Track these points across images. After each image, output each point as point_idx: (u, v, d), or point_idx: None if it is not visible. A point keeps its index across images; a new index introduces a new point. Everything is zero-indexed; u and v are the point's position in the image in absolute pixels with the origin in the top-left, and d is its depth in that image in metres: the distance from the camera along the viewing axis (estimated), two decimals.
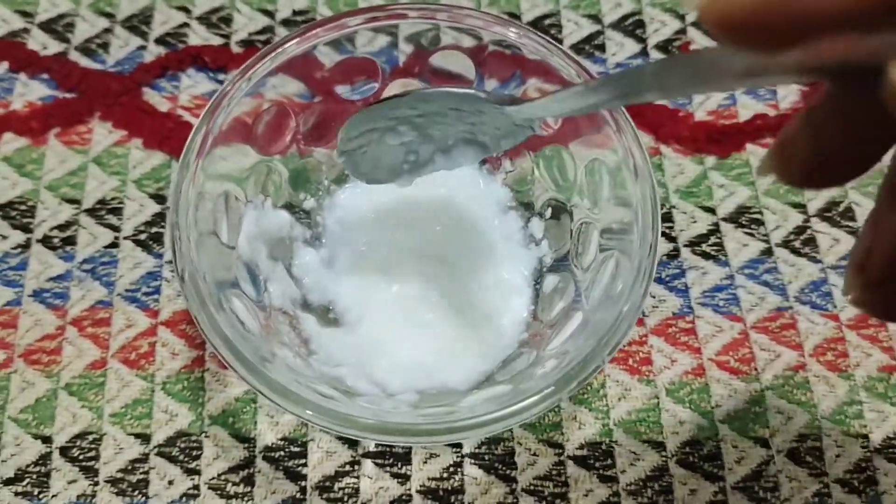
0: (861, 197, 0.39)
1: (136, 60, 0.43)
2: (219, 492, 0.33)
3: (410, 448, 0.34)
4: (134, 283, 0.37)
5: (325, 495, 0.33)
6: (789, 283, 0.37)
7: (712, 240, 0.39)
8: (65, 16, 0.45)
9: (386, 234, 0.35)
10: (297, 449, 0.34)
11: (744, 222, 0.39)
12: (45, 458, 0.34)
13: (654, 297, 0.37)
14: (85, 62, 0.43)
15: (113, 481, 0.34)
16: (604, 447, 0.34)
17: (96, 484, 0.33)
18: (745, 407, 0.35)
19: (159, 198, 0.39)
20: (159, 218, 0.39)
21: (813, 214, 0.39)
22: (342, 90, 0.35)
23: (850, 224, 0.39)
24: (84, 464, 0.34)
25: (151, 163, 0.40)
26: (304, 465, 0.34)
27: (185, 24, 0.44)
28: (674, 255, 0.38)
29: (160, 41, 0.44)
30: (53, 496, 0.33)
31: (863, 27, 0.14)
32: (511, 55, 0.32)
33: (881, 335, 0.36)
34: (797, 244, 0.38)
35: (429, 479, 0.34)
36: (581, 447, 0.34)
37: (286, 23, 0.44)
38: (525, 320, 0.34)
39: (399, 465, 0.34)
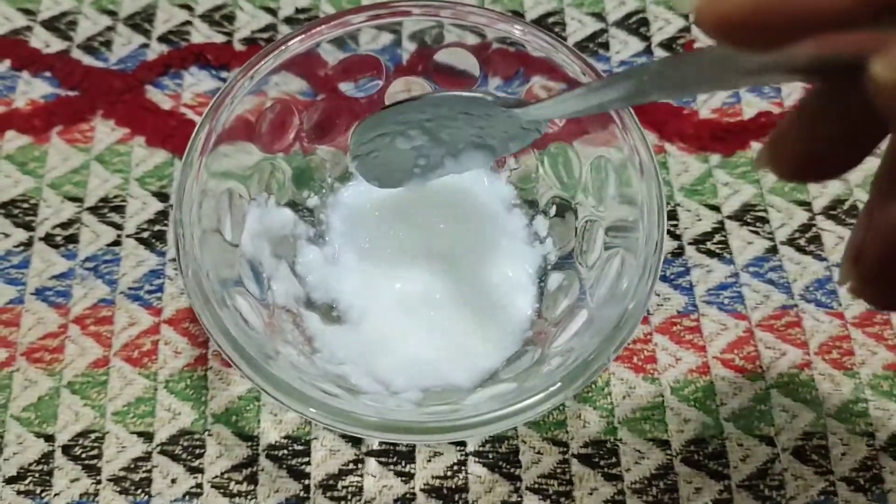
0: (866, 195, 0.39)
1: (139, 58, 0.43)
2: (222, 490, 0.33)
3: (414, 446, 0.34)
4: (137, 281, 0.37)
5: (328, 494, 0.33)
6: (794, 280, 0.37)
7: (717, 238, 0.38)
8: (67, 14, 0.44)
9: (389, 231, 0.35)
10: (300, 447, 0.34)
11: (749, 220, 0.39)
12: (47, 457, 0.34)
13: (658, 295, 0.37)
14: (87, 60, 0.43)
15: (115, 480, 0.33)
16: (608, 445, 0.34)
17: (99, 482, 0.33)
18: (751, 405, 0.35)
19: (162, 196, 0.39)
20: (162, 216, 0.39)
21: (818, 212, 0.39)
22: (346, 87, 0.35)
23: (855, 222, 0.39)
24: (86, 462, 0.34)
25: (154, 161, 0.40)
26: (308, 463, 0.34)
27: (188, 22, 0.44)
28: (678, 253, 0.38)
29: (163, 39, 0.44)
30: (56, 495, 0.33)
31: (853, 26, 0.14)
32: (515, 52, 0.32)
33: (886, 333, 0.36)
34: (802, 242, 0.38)
35: (433, 477, 0.33)
36: (585, 445, 0.34)
37: (289, 20, 0.44)
38: (529, 318, 0.34)
39: (403, 464, 0.34)
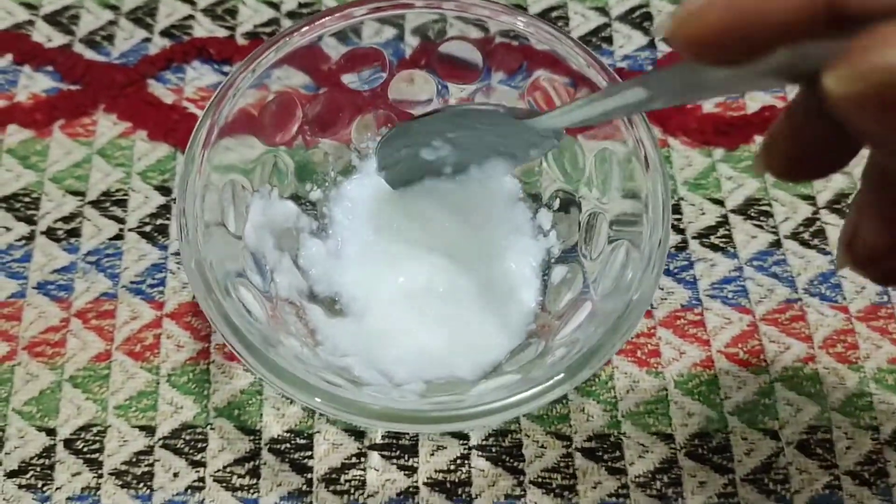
0: None
1: (141, 52, 0.43)
2: (224, 484, 0.33)
3: (417, 440, 0.34)
4: (139, 274, 0.37)
5: (331, 487, 0.33)
6: (798, 274, 0.37)
7: (721, 232, 0.38)
8: (69, 8, 0.44)
9: (392, 225, 0.35)
10: (303, 441, 0.34)
11: (752, 214, 0.39)
12: (49, 451, 0.34)
13: (662, 289, 0.37)
14: (89, 54, 0.43)
15: (117, 474, 0.33)
16: (612, 439, 0.34)
17: (101, 476, 0.33)
18: (755, 399, 0.34)
19: (164, 189, 0.39)
20: (164, 210, 0.39)
21: (822, 206, 0.39)
22: (349, 80, 0.34)
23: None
24: (88, 456, 0.34)
25: (156, 155, 0.40)
26: (311, 457, 0.33)
27: (190, 17, 0.44)
28: (682, 247, 0.38)
29: (165, 33, 0.44)
30: (58, 489, 0.33)
31: (812, 36, 0.15)
32: (519, 45, 0.32)
33: (891, 327, 0.36)
34: (806, 236, 0.38)
35: (436, 471, 0.33)
36: (589, 439, 0.34)
37: (291, 15, 0.44)
38: (533, 311, 0.34)
39: (406, 458, 0.33)
